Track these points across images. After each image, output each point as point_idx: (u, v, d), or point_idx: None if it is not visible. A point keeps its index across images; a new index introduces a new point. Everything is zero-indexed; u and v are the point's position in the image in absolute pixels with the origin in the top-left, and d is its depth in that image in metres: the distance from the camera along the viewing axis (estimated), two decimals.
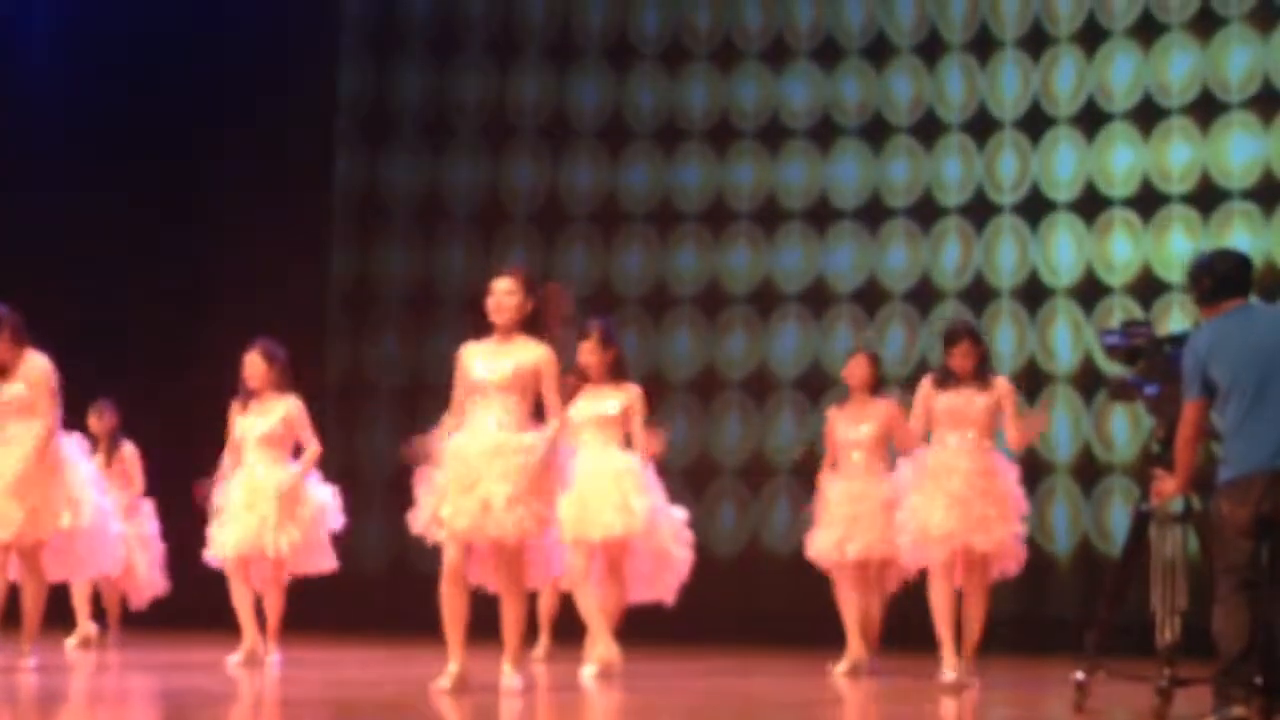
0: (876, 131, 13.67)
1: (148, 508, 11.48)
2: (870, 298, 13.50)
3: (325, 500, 10.04)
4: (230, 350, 10.21)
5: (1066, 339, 12.70)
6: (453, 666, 8.05)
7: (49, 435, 9.09)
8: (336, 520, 10.04)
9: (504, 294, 8.28)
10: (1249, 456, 6.96)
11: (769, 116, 13.97)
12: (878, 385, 9.95)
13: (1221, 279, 7.23)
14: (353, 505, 10.49)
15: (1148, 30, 12.46)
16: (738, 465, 13.64)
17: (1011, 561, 9.35)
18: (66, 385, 9.34)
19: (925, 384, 9.40)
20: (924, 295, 13.29)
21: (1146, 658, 7.63)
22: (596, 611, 9.10)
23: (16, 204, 13.57)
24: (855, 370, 9.92)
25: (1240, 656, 6.91)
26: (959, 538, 9.05)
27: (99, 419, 11.37)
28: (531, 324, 8.31)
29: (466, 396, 8.31)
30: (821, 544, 9.86)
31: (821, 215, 13.81)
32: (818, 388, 13.24)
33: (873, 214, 13.63)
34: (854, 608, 9.88)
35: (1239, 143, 12.13)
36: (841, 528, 9.79)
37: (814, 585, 10.36)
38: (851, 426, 9.88)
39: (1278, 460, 6.92)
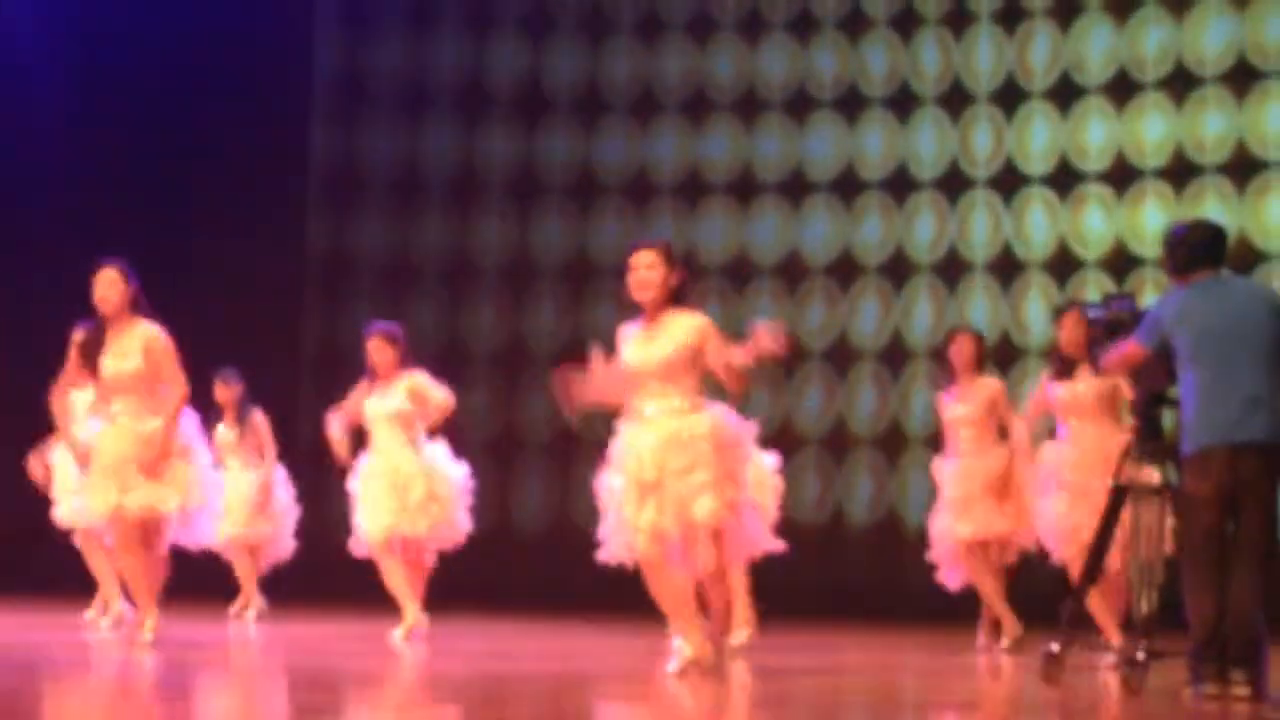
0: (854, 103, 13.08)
1: (281, 474, 10.94)
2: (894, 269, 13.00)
3: (459, 475, 9.67)
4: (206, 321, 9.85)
5: (1039, 312, 12.21)
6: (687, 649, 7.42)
7: (182, 405, 8.50)
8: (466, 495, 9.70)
9: (645, 269, 7.47)
10: (1210, 430, 6.77)
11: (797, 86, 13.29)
12: (982, 364, 9.60)
13: (1194, 249, 7.00)
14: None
15: (1122, 4, 12.04)
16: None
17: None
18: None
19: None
20: (901, 269, 12.79)
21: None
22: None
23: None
24: (961, 349, 9.49)
25: (1212, 633, 6.72)
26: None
27: (225, 387, 10.82)
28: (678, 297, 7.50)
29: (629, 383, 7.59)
30: (938, 528, 9.55)
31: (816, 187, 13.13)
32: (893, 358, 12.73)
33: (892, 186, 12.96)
34: (989, 582, 9.47)
35: (1212, 118, 11.72)
36: (953, 510, 9.43)
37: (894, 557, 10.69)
38: (958, 405, 9.46)
39: (1238, 434, 6.70)
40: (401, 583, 9.49)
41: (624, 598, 8.62)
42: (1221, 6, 11.69)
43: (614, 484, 7.44)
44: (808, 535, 12.14)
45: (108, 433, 8.64)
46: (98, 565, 10.00)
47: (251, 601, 10.94)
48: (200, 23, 13.35)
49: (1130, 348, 7.04)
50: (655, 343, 7.35)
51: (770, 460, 9.14)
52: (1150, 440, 7.22)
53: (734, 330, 8.14)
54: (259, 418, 10.93)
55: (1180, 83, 11.80)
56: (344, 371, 12.96)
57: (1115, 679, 7.36)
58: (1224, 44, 11.72)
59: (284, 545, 11.12)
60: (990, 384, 9.54)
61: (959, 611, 10.21)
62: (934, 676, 8.46)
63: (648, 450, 7.27)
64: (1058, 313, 9.17)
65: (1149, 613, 7.14)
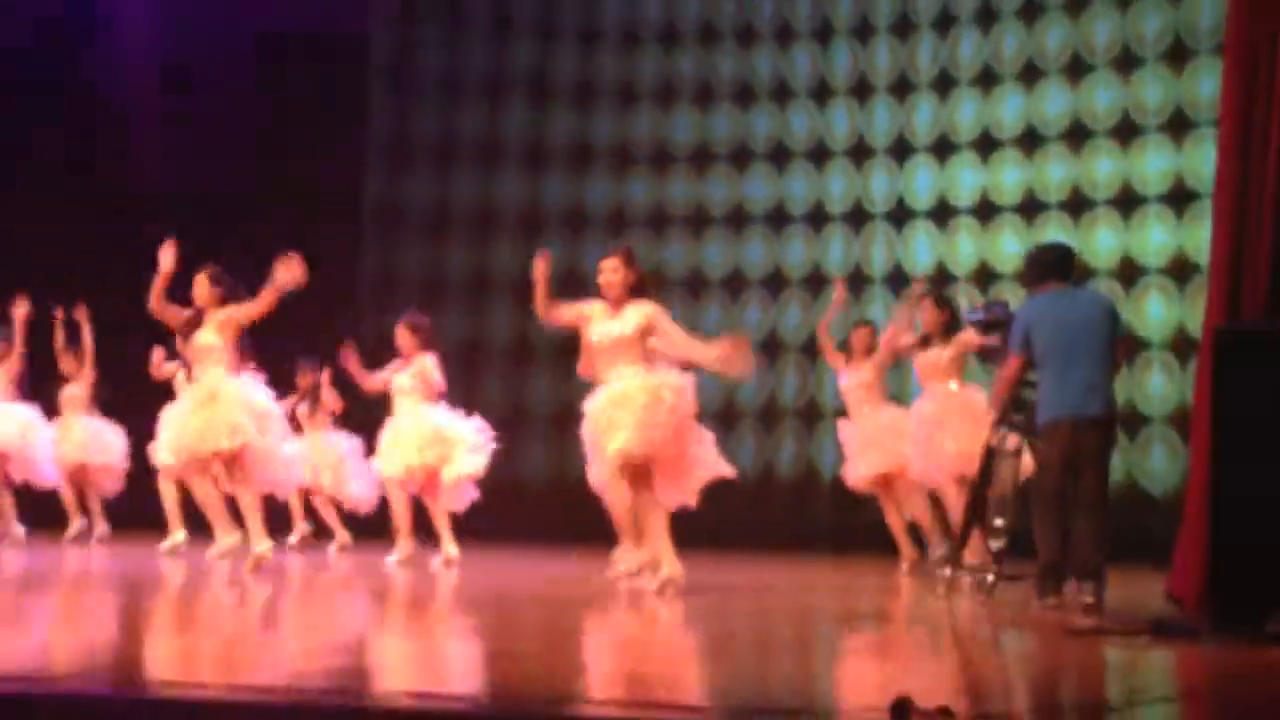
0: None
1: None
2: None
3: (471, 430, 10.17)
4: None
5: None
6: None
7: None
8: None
9: (610, 270, 8.08)
10: (1059, 405, 7.26)
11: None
12: (872, 349, 10.19)
13: (1046, 266, 7.53)
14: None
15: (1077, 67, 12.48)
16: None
17: None
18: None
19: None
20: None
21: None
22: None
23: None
24: (859, 337, 10.24)
25: (1054, 561, 7.25)
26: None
27: (305, 373, 11.59)
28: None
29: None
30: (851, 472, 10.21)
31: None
32: None
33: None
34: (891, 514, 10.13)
35: (1103, 162, 12.25)
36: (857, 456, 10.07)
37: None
38: (852, 378, 10.16)
39: (1079, 409, 7.23)
40: (405, 513, 10.10)
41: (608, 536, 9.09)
42: (1159, 68, 12.02)
43: (586, 432, 8.18)
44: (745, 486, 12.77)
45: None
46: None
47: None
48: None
49: (1011, 362, 7.48)
50: (615, 324, 8.04)
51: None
52: (1012, 414, 7.79)
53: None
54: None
55: (1079, 135, 12.29)
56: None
57: (977, 596, 7.78)
58: (1111, 103, 12.18)
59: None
60: (875, 360, 10.13)
61: (864, 543, 10.89)
62: (845, 592, 9.08)
63: (603, 403, 8.02)
64: (920, 300, 9.86)
65: (1001, 547, 7.82)
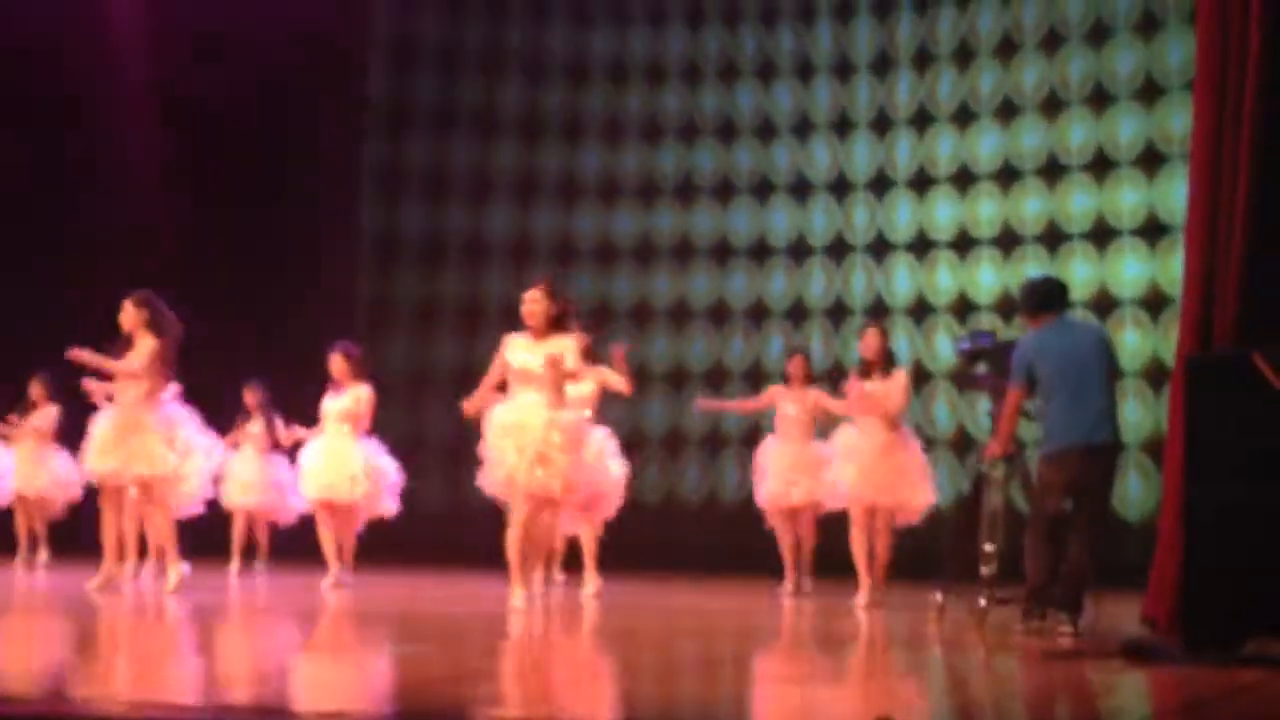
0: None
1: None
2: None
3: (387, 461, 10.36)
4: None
5: (947, 345, 12.81)
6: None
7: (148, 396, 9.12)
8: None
9: (532, 301, 8.18)
10: (1068, 434, 7.19)
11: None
12: (810, 379, 10.22)
13: (1043, 298, 7.51)
14: None
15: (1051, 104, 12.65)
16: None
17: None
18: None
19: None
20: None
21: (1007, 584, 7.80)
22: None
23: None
24: (796, 367, 10.19)
25: (1042, 584, 7.20)
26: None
27: (251, 394, 11.65)
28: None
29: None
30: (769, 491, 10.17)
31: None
32: None
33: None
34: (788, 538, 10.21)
35: (1079, 197, 12.36)
36: (781, 479, 10.09)
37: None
38: (790, 405, 10.14)
39: (1090, 437, 7.19)
40: (328, 539, 10.09)
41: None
42: (1131, 105, 12.10)
43: (491, 447, 8.13)
44: (650, 510, 13.06)
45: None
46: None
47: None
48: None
49: (1011, 395, 7.40)
50: (536, 353, 8.10)
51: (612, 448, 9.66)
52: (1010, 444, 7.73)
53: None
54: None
55: (1055, 169, 12.39)
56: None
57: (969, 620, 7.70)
58: (1085, 139, 12.28)
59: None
60: (814, 392, 10.12)
61: (768, 566, 10.61)
62: (745, 612, 9.05)
63: (514, 429, 8.04)
64: (863, 330, 9.75)
65: (991, 572, 7.79)
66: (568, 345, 8.14)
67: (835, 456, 9.55)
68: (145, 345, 9.13)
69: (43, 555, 12.11)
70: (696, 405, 11.15)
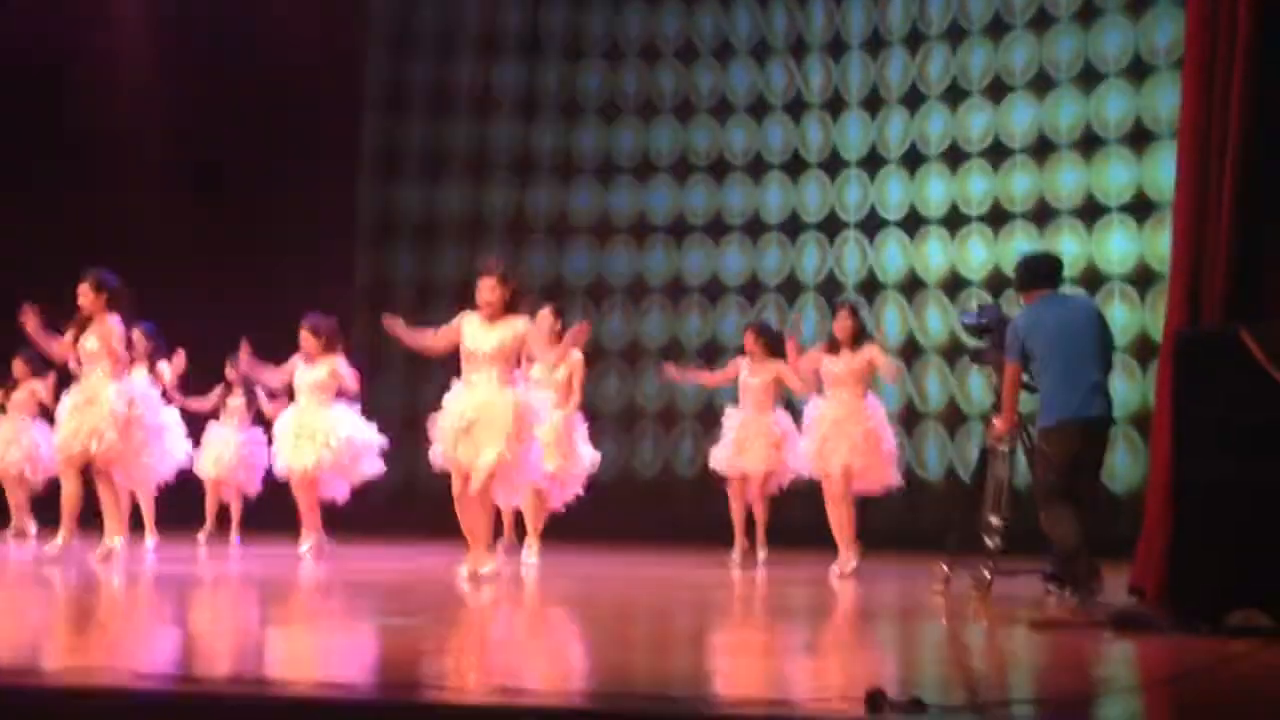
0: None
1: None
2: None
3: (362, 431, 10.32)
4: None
5: (938, 320, 12.91)
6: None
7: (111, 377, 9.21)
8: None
9: (487, 285, 8.29)
10: (1065, 408, 7.13)
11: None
12: (771, 351, 10.25)
13: (1036, 273, 7.50)
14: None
15: (1041, 82, 12.78)
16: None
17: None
18: None
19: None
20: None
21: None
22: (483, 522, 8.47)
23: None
24: (752, 340, 10.26)
25: (1076, 550, 7.08)
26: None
27: (231, 368, 11.65)
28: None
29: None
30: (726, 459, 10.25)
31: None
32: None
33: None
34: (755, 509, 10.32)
35: (1068, 174, 12.21)
36: (737, 448, 10.18)
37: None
38: (752, 378, 10.21)
39: (1084, 410, 7.13)
40: (306, 509, 10.22)
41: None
42: (1120, 83, 12.04)
43: (441, 425, 8.29)
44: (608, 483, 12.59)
45: None
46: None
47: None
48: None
49: (1008, 370, 7.37)
50: (489, 335, 8.23)
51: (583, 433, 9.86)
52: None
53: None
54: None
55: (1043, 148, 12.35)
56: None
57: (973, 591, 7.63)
58: (1074, 117, 12.21)
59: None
60: (778, 364, 10.17)
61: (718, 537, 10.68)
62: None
63: (468, 407, 8.19)
64: (835, 309, 9.85)
65: (995, 544, 7.76)
66: (522, 327, 8.28)
67: (806, 428, 9.66)
68: (109, 326, 9.19)
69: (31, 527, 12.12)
70: (666, 373, 10.97)
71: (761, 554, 10.34)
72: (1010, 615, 7.03)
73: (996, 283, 12.49)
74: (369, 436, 10.43)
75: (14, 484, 12.15)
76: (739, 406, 10.45)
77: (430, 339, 8.54)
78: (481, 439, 8.14)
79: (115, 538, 9.23)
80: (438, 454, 8.45)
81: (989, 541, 7.79)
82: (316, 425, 10.25)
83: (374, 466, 10.40)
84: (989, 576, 7.76)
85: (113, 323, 9.21)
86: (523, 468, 8.35)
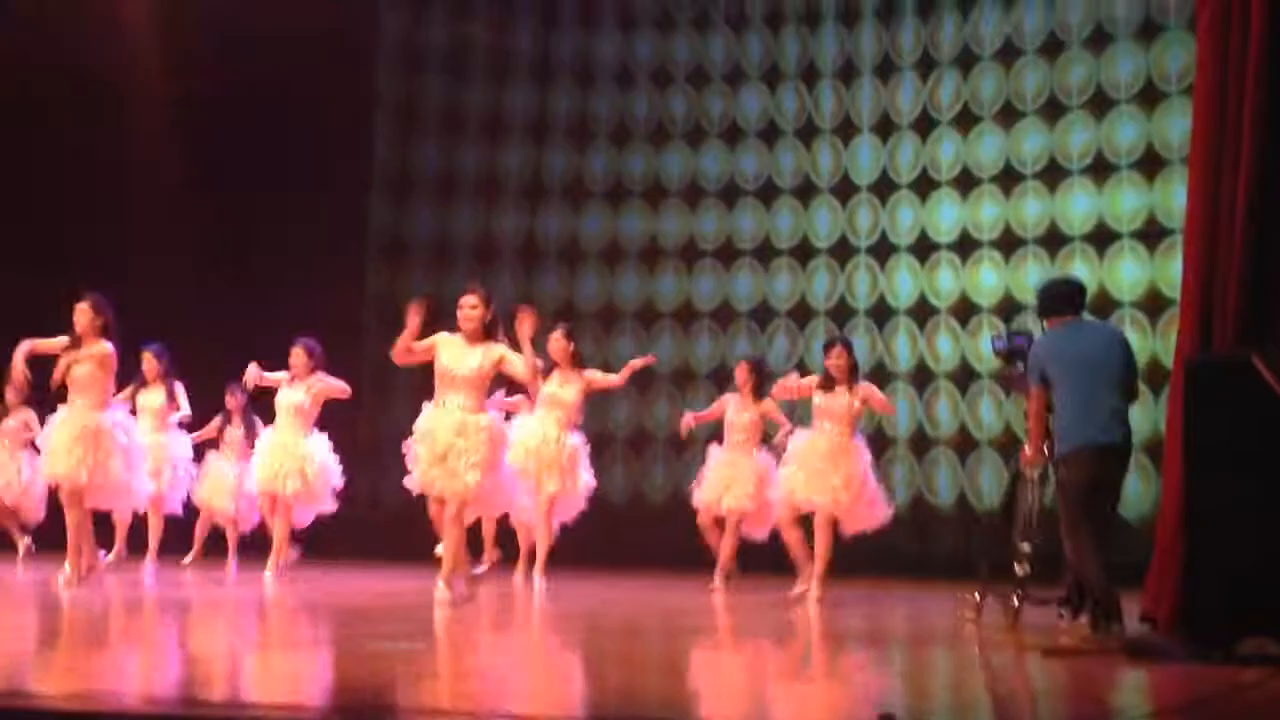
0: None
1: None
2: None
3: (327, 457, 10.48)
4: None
5: (949, 345, 12.93)
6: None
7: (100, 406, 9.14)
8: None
9: (469, 307, 8.31)
10: (1083, 434, 7.04)
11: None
12: (759, 389, 10.21)
13: (1058, 298, 7.41)
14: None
15: (1053, 108, 12.53)
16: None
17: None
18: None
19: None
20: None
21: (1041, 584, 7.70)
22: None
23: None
24: (742, 374, 10.25)
25: (1104, 587, 6.94)
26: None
27: (231, 397, 11.75)
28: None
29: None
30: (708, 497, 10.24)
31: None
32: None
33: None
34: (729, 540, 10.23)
35: (1078, 200, 12.35)
36: (719, 486, 10.18)
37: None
38: (742, 414, 10.20)
39: (1101, 437, 7.04)
40: (277, 529, 10.33)
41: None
42: (1131, 109, 12.07)
43: (416, 450, 8.29)
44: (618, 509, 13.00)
45: None
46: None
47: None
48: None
49: (1033, 394, 7.24)
50: (467, 358, 8.22)
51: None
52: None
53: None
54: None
55: (1054, 172, 12.40)
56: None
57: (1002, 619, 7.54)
58: (1086, 143, 12.25)
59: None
60: (765, 403, 10.16)
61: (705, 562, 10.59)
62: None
63: (443, 430, 8.18)
64: (829, 344, 9.78)
65: (1025, 571, 7.67)
66: (501, 352, 8.26)
67: (787, 459, 9.60)
68: (103, 350, 9.07)
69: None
70: (687, 422, 10.79)
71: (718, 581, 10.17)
72: (1026, 642, 7.00)
73: (1007, 308, 12.56)
74: (334, 469, 10.56)
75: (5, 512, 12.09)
76: (723, 444, 10.38)
77: (406, 342, 8.44)
78: (456, 465, 8.18)
79: (80, 561, 9.08)
80: (414, 479, 8.46)
81: (1018, 568, 7.72)
82: (293, 451, 10.37)
83: (332, 502, 10.58)
84: (1018, 603, 7.70)
85: (108, 347, 9.08)
86: (496, 493, 8.46)
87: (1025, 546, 7.69)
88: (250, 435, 11.57)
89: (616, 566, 11.65)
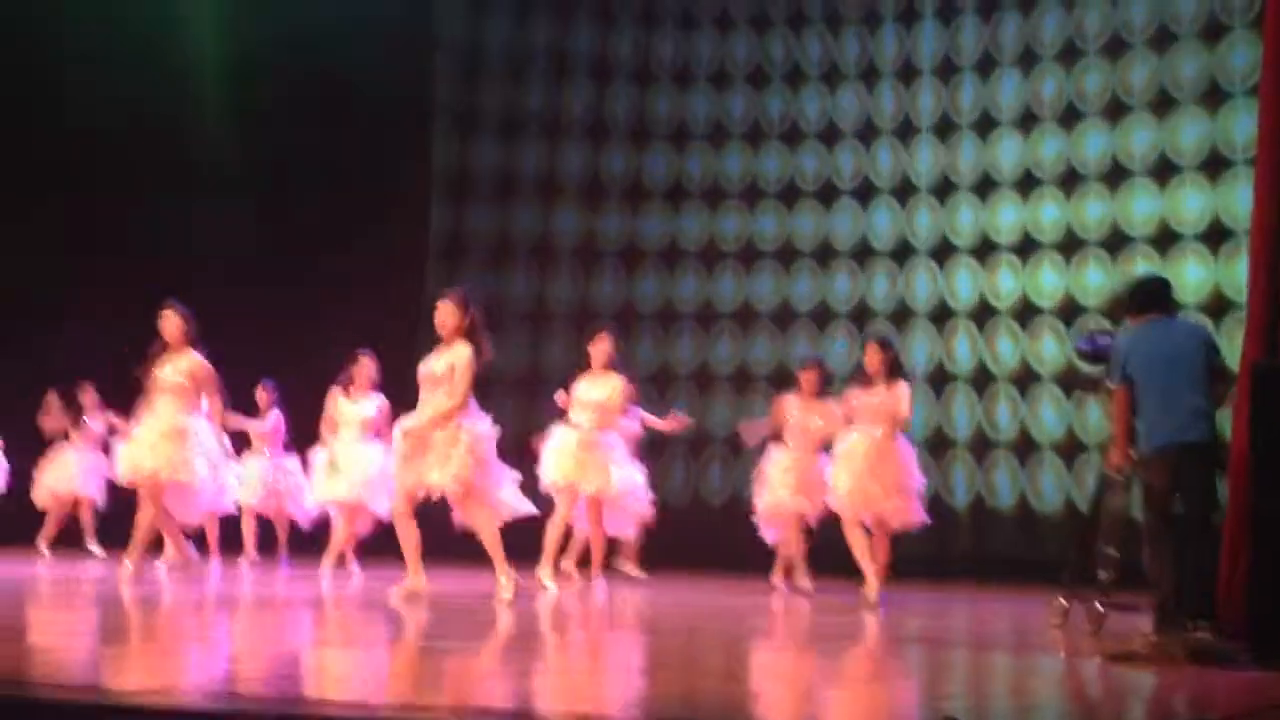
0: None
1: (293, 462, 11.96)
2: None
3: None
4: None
5: (1009, 346, 12.88)
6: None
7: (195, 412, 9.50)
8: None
9: (443, 311, 8.42)
10: (1164, 433, 6.95)
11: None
12: (824, 388, 10.27)
13: (1144, 295, 7.28)
14: None
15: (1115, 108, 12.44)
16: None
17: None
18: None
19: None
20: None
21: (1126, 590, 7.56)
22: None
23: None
24: (808, 377, 10.23)
25: (1174, 594, 6.84)
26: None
27: (264, 391, 12.00)
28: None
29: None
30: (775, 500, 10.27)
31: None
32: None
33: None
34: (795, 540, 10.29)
35: (1139, 202, 12.26)
36: (788, 488, 10.18)
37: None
38: (811, 417, 10.18)
39: (1182, 436, 6.93)
40: (339, 542, 10.55)
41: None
42: (1197, 110, 11.99)
43: (396, 450, 8.47)
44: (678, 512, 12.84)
45: None
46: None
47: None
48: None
49: (1116, 393, 7.13)
50: (438, 360, 8.38)
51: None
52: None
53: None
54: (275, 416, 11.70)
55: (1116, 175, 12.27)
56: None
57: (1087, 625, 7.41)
58: (1148, 143, 12.19)
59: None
60: (826, 405, 10.08)
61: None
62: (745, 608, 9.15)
63: (414, 430, 8.31)
64: (864, 343, 9.75)
65: (1110, 576, 7.55)
66: (461, 354, 8.32)
67: (833, 460, 9.58)
68: (193, 361, 9.44)
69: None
70: (747, 439, 10.83)
71: (806, 582, 10.23)
72: (1097, 647, 6.95)
73: (1068, 310, 12.52)
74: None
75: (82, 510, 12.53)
76: (783, 445, 10.35)
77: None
78: (422, 463, 8.30)
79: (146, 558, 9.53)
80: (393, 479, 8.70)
81: (1102, 574, 7.61)
82: (357, 460, 10.57)
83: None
84: (1102, 610, 7.60)
85: (198, 357, 9.42)
86: (485, 490, 8.41)
87: (1110, 552, 7.58)
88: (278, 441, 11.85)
89: (677, 568, 11.69)
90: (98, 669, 5.48)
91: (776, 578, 10.39)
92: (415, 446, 8.29)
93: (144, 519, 9.44)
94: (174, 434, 9.34)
